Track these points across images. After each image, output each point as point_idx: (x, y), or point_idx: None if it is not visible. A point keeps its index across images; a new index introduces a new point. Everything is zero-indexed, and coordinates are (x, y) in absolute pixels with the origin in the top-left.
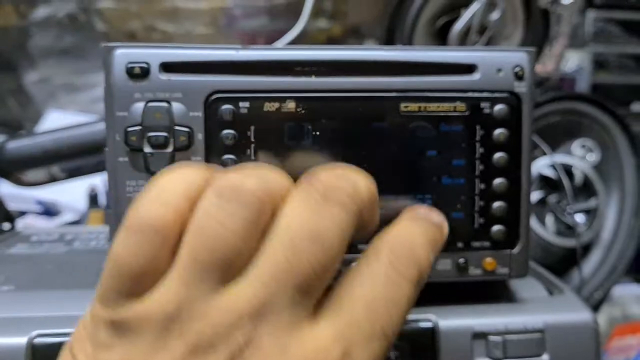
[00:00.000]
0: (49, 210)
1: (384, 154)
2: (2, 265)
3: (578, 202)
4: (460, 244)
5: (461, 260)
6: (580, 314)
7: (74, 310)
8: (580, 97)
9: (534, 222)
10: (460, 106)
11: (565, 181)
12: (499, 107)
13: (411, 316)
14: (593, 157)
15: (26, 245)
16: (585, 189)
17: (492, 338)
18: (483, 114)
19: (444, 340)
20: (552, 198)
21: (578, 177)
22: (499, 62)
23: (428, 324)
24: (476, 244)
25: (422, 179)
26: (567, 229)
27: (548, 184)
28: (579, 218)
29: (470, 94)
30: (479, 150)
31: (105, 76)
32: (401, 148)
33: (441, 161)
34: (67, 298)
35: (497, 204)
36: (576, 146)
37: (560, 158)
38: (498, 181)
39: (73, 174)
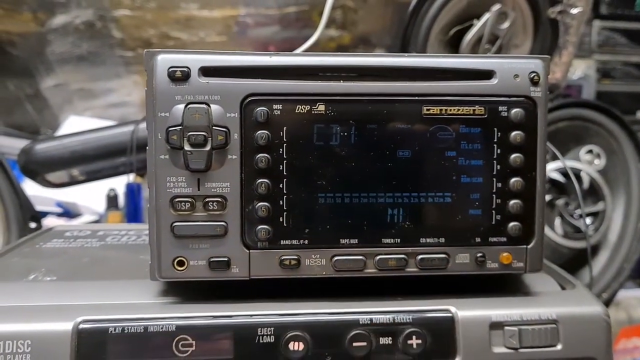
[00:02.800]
0: (68, 212)
1: (406, 155)
2: (41, 259)
3: (585, 206)
4: (478, 239)
5: (479, 254)
6: (592, 307)
7: (115, 299)
8: (588, 105)
9: None
10: (479, 109)
11: (575, 185)
12: (515, 111)
13: (431, 307)
14: (600, 162)
15: (61, 240)
16: (592, 193)
17: (508, 328)
18: (500, 117)
19: (463, 330)
20: (560, 201)
21: (585, 182)
22: (515, 68)
23: (448, 314)
24: (493, 239)
25: (442, 178)
26: (575, 232)
27: (556, 187)
28: (587, 221)
29: (488, 98)
30: (497, 151)
31: (148, 79)
32: (423, 148)
33: (460, 161)
34: (106, 287)
35: (513, 202)
36: (583, 152)
37: (568, 163)
38: (514, 180)
39: (94, 176)
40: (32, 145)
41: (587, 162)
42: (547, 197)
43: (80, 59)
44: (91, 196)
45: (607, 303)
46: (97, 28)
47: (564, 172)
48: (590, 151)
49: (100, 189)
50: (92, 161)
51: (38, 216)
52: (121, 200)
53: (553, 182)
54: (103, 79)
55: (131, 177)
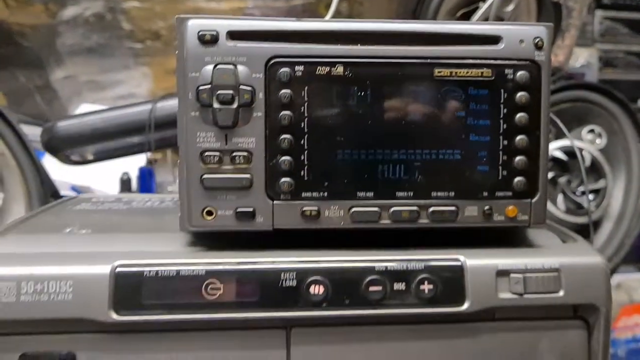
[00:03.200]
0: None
1: (419, 114)
2: (74, 217)
3: (588, 183)
4: (485, 194)
5: (486, 207)
6: (592, 258)
7: (148, 248)
8: (590, 87)
9: None
10: (487, 72)
11: (578, 163)
12: (521, 73)
13: (442, 256)
14: (601, 141)
15: (89, 204)
16: (594, 171)
17: (513, 275)
18: (507, 79)
19: (471, 277)
20: (563, 179)
21: (587, 160)
22: (521, 34)
23: (457, 263)
24: (500, 193)
25: (452, 137)
26: (577, 208)
27: (558, 165)
28: (589, 198)
29: (495, 62)
30: (503, 111)
31: (179, 43)
32: (434, 108)
33: (469, 120)
34: (138, 239)
35: (518, 159)
36: (585, 131)
37: (574, 142)
38: (519, 138)
39: (113, 154)
40: (54, 123)
41: (589, 141)
42: (550, 175)
43: (89, 51)
44: (105, 180)
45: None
46: (107, 20)
47: (566, 151)
48: (592, 131)
49: (114, 173)
50: (111, 138)
51: (58, 193)
52: (134, 184)
53: (556, 160)
54: (112, 71)
55: (145, 157)
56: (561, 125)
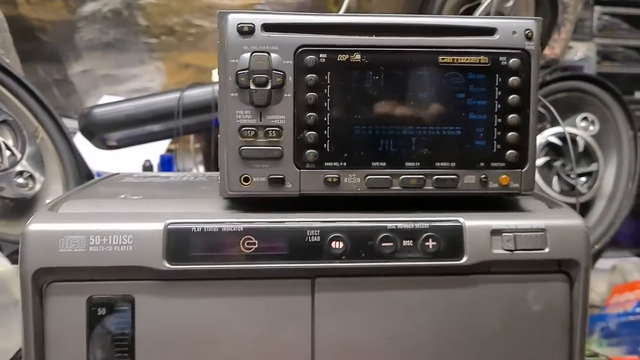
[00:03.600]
0: None
1: (425, 95)
2: (123, 188)
3: (580, 167)
4: (482, 164)
5: (483, 176)
6: (574, 220)
7: (194, 209)
8: (584, 77)
9: (541, 183)
10: (484, 59)
11: (570, 148)
12: (513, 60)
13: (444, 218)
14: (594, 128)
15: (132, 179)
16: (587, 156)
17: (505, 234)
18: (501, 66)
19: (469, 235)
20: (558, 163)
21: (580, 145)
22: (513, 26)
23: (457, 224)
24: (494, 164)
25: (454, 115)
26: (570, 189)
27: (554, 150)
28: (582, 180)
29: (491, 50)
30: (497, 93)
31: (220, 35)
32: (438, 91)
33: (468, 101)
34: (185, 203)
35: (510, 134)
36: (579, 119)
37: (567, 129)
38: (511, 116)
39: (143, 139)
40: (90, 110)
41: (582, 128)
42: (546, 159)
43: (107, 46)
44: (129, 167)
45: (598, 254)
46: (124, 16)
47: (561, 137)
48: (585, 118)
49: (137, 160)
50: (144, 123)
51: (92, 174)
52: (155, 170)
53: (551, 145)
54: (128, 65)
55: (165, 145)
56: (555, 113)
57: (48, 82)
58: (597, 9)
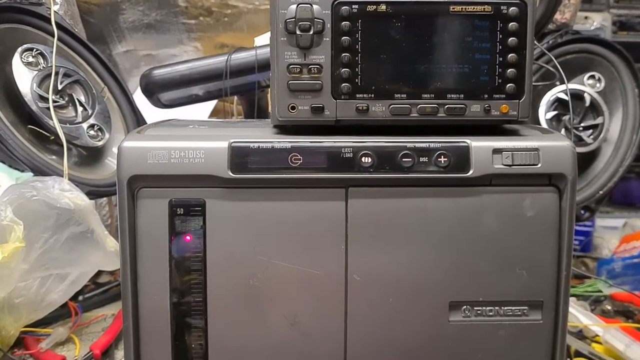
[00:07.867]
0: None
1: (440, 39)
2: (188, 123)
3: (586, 120)
4: (486, 96)
5: (486, 105)
6: (563, 142)
7: (250, 133)
8: (592, 40)
9: None
10: (487, 8)
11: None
12: (512, 9)
13: (454, 139)
14: (600, 85)
15: (189, 122)
16: (593, 110)
17: (505, 152)
18: (502, 13)
19: (475, 153)
20: (566, 117)
21: (587, 100)
22: None
23: (465, 144)
24: (496, 95)
25: (463, 55)
26: (578, 140)
27: (562, 105)
28: (587, 133)
29: (494, 1)
30: (499, 36)
31: None
32: (450, 35)
33: (475, 44)
34: (242, 131)
35: (509, 70)
36: (586, 77)
37: (573, 86)
38: (511, 56)
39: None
40: (150, 70)
41: (589, 85)
42: (555, 113)
43: (148, 27)
44: None
45: (603, 199)
46: None
47: (572, 94)
48: (592, 76)
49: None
50: (197, 83)
51: None
52: None
53: (560, 101)
54: (167, 46)
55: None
56: (561, 72)
57: None
58: None
